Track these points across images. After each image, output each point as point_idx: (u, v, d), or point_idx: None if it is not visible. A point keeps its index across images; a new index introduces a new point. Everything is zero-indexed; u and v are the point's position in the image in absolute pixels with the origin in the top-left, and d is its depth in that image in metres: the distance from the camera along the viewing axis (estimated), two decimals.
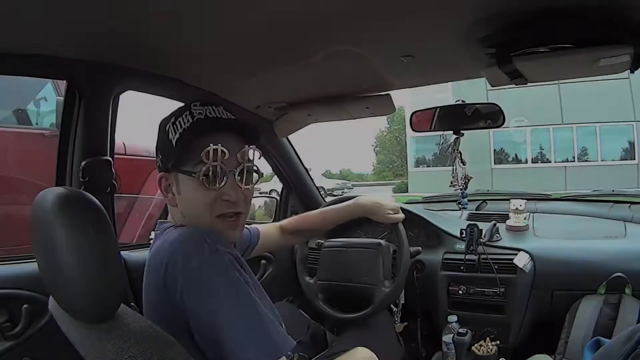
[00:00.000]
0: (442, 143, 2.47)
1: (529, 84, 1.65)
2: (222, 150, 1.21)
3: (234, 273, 1.13)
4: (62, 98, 3.59)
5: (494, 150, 20.33)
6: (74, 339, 1.08)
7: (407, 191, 22.53)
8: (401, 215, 2.04)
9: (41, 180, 3.49)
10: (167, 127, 1.28)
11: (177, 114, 1.29)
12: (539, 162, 19.90)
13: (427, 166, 23.04)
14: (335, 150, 68.91)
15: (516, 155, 20.72)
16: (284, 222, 2.12)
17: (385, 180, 34.61)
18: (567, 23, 1.34)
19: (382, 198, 2.06)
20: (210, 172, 1.22)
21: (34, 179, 3.66)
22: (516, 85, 1.62)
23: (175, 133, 1.26)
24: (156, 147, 1.34)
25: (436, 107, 2.32)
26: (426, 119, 2.34)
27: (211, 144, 1.20)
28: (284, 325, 1.42)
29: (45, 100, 4.16)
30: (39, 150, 3.83)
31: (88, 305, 0.99)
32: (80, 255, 0.96)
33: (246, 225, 1.84)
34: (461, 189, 2.41)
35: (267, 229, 2.03)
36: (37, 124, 4.15)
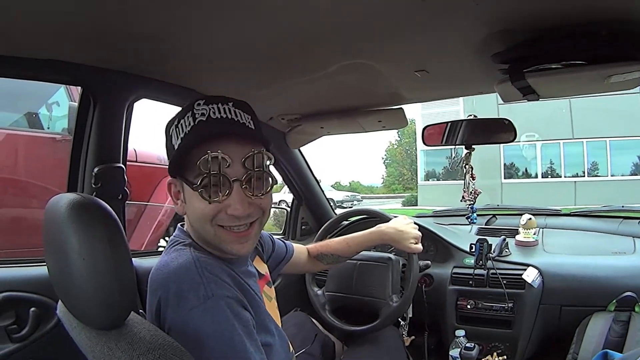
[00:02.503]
0: (454, 157, 2.47)
1: (540, 100, 1.65)
2: (223, 158, 1.12)
3: (226, 320, 1.08)
4: (74, 103, 3.61)
5: (504, 164, 20.26)
6: (83, 345, 1.06)
7: (416, 204, 22.46)
8: (420, 247, 1.98)
9: (52, 185, 3.51)
10: (171, 130, 1.21)
11: (180, 115, 1.20)
12: (549, 176, 19.80)
13: (437, 180, 22.95)
14: (345, 162, 69.00)
15: (526, 170, 20.61)
16: (309, 246, 2.00)
17: (395, 193, 34.48)
18: (579, 40, 1.34)
19: (404, 225, 1.98)
20: (210, 184, 1.13)
21: (44, 184, 3.68)
22: (528, 100, 1.62)
23: (177, 138, 1.19)
24: (166, 151, 1.27)
25: (448, 122, 2.31)
26: (438, 133, 2.34)
27: (209, 152, 1.10)
28: (291, 345, 1.43)
29: (58, 104, 4.17)
30: (50, 154, 3.85)
31: (98, 312, 0.99)
32: (92, 261, 0.95)
33: (283, 239, 1.84)
34: (470, 204, 2.41)
35: (299, 249, 1.93)
36: (48, 128, 4.14)
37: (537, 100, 1.62)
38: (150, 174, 4.57)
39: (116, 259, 0.98)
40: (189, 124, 1.16)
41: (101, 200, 1.06)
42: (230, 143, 1.14)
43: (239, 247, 1.22)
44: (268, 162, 1.20)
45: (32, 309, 1.58)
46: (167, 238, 4.74)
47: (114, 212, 1.05)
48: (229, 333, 1.07)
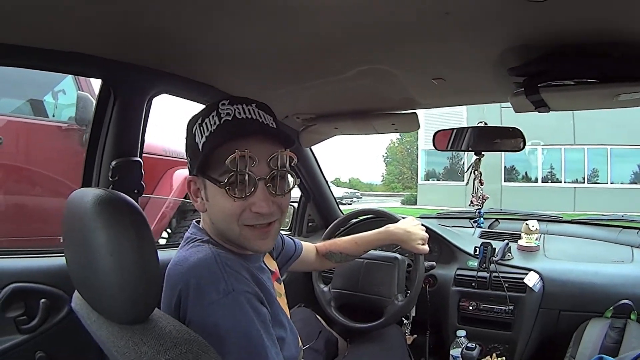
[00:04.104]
0: (459, 158, 2.52)
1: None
2: (250, 157, 1.13)
3: (245, 315, 1.10)
4: (83, 93, 3.57)
5: (505, 167, 20.18)
6: (104, 339, 1.06)
7: (415, 204, 22.39)
8: (427, 248, 2.00)
9: (56, 174, 3.48)
10: (194, 128, 1.22)
11: (204, 114, 1.21)
12: (549, 181, 19.74)
13: (437, 180, 22.83)
14: (346, 158, 68.56)
15: (526, 174, 20.51)
16: (318, 244, 2.03)
17: (394, 191, 34.24)
18: (592, 59, 1.39)
19: (412, 226, 2.01)
20: (237, 181, 1.14)
21: (48, 172, 3.64)
22: (539, 112, 1.66)
23: (202, 136, 1.19)
24: (185, 148, 1.28)
25: (458, 128, 2.36)
26: (448, 139, 2.38)
27: (237, 151, 1.12)
28: (299, 337, 1.45)
29: (64, 92, 4.09)
30: (56, 143, 3.82)
31: (124, 308, 1.00)
32: (120, 257, 0.96)
33: (292, 237, 1.88)
34: (478, 209, 2.44)
35: (307, 247, 1.96)
36: (54, 116, 4.06)
37: (548, 112, 1.66)
38: (156, 165, 4.53)
39: (143, 255, 0.99)
40: (215, 123, 1.18)
41: (128, 197, 1.06)
42: (256, 143, 1.17)
43: (261, 243, 1.24)
44: (291, 162, 1.23)
45: (42, 300, 1.58)
46: (169, 230, 4.72)
47: (140, 208, 1.06)
48: (248, 327, 1.10)
